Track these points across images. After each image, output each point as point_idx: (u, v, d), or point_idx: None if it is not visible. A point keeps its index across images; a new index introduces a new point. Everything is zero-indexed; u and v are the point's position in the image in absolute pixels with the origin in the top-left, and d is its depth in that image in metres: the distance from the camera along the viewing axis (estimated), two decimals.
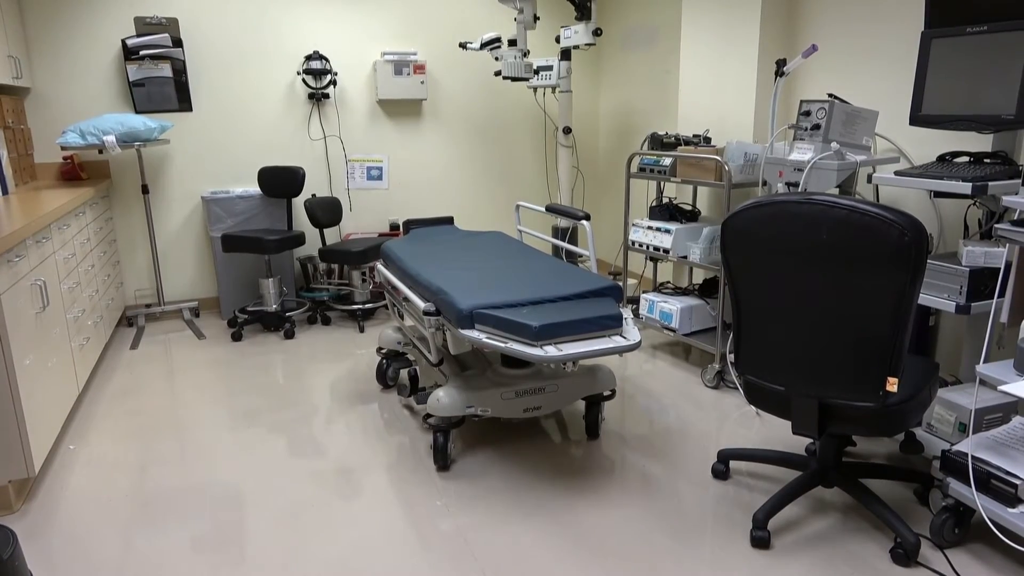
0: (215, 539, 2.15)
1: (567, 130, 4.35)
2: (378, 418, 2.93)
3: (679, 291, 3.66)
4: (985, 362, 1.99)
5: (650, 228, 3.50)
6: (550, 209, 3.16)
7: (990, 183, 2.13)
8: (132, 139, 3.82)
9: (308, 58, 4.38)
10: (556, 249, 4.03)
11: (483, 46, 4.23)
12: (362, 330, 4.10)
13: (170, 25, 4.14)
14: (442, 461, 2.49)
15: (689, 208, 3.64)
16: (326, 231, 4.59)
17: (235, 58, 4.30)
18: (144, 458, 2.64)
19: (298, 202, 4.54)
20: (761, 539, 2.05)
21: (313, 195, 4.48)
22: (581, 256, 3.88)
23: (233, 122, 4.36)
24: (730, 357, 2.20)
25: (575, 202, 5.18)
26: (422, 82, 4.55)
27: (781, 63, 3.04)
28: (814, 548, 2.05)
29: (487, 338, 2.21)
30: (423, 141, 4.79)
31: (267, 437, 2.79)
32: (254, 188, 4.40)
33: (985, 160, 2.34)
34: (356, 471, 2.51)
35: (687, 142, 3.53)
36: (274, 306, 4.09)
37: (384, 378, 3.22)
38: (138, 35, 4.07)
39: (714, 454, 2.59)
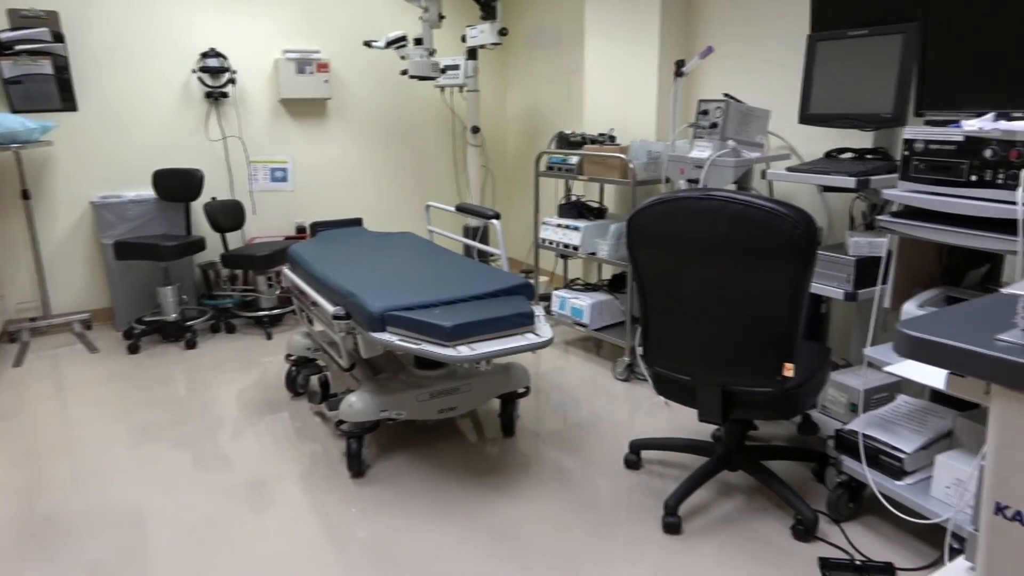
0: (115, 563, 2.02)
1: (475, 129, 4.35)
2: (289, 427, 2.85)
3: (589, 287, 3.72)
4: (872, 345, 2.12)
5: (559, 226, 3.55)
6: (460, 209, 3.15)
7: (872, 177, 2.27)
8: (9, 140, 3.56)
9: (204, 55, 4.20)
10: (467, 249, 4.03)
11: (388, 45, 4.17)
12: (269, 337, 3.98)
13: (49, 19, 3.87)
14: (356, 467, 2.45)
15: (596, 206, 3.71)
16: (228, 236, 4.42)
17: (124, 54, 4.07)
18: (33, 482, 2.46)
19: (197, 206, 4.35)
20: (672, 524, 2.12)
21: (213, 198, 4.29)
22: (492, 255, 3.89)
23: (123, 122, 4.13)
24: (639, 350, 2.26)
25: (485, 201, 5.20)
26: (326, 81, 4.45)
27: (680, 64, 3.14)
28: (722, 530, 2.13)
29: (399, 340, 2.19)
30: (329, 141, 4.68)
31: (170, 453, 2.66)
32: (149, 192, 4.18)
33: (867, 156, 2.49)
34: (267, 482, 2.43)
35: (593, 141, 3.60)
36: (174, 315, 3.90)
37: (294, 385, 3.13)
38: (12, 29, 3.79)
39: (626, 445, 2.66)
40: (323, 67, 4.43)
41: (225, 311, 4.22)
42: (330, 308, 2.41)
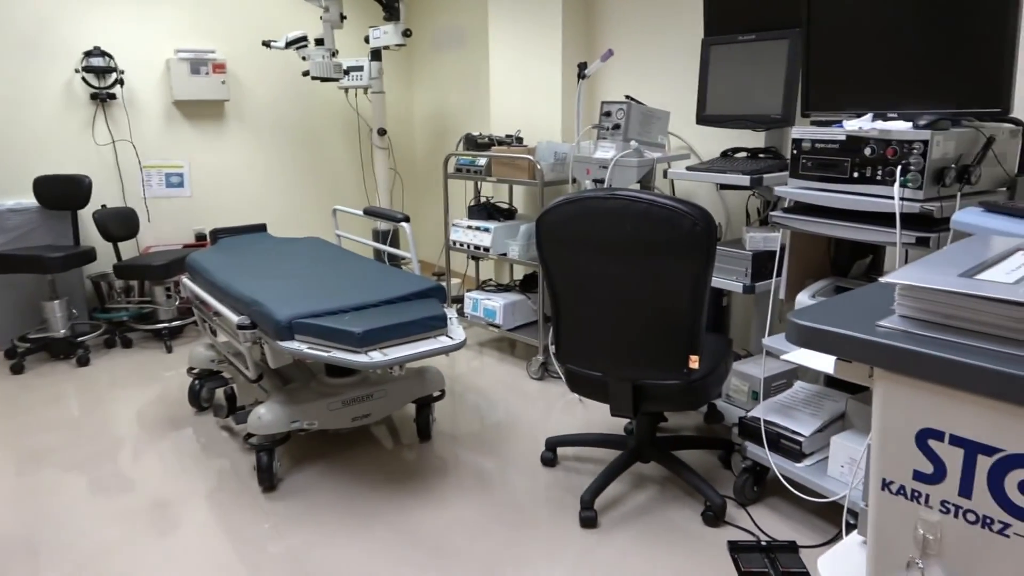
0: None
1: (382, 131, 4.29)
2: (194, 443, 2.73)
3: (501, 288, 3.74)
4: (769, 335, 2.23)
5: (470, 228, 3.55)
6: (368, 212, 3.10)
7: (764, 175, 2.38)
8: None
9: (88, 54, 3.96)
10: (377, 253, 3.97)
11: (288, 45, 4.06)
12: (170, 350, 3.79)
13: None
14: (268, 481, 2.37)
15: (506, 207, 3.73)
16: (121, 245, 4.19)
17: None
18: None
19: (85, 214, 4.10)
20: (589, 519, 2.16)
21: (103, 206, 4.06)
22: (403, 258, 3.85)
23: None
24: (552, 349, 2.29)
25: (394, 204, 5.14)
26: (223, 82, 4.29)
27: (582, 66, 3.20)
28: (637, 520, 2.18)
29: (308, 348, 2.13)
30: (229, 144, 4.51)
31: (63, 478, 2.49)
32: (29, 200, 3.91)
33: (760, 155, 2.62)
34: (172, 503, 2.32)
35: (500, 142, 3.62)
36: (62, 331, 3.66)
37: (198, 400, 3.00)
38: None
39: (543, 443, 2.69)
40: (219, 68, 4.27)
41: (120, 325, 3.99)
42: (234, 318, 2.33)
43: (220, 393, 2.68)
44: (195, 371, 3.01)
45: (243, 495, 2.35)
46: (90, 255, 3.67)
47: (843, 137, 1.92)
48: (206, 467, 2.54)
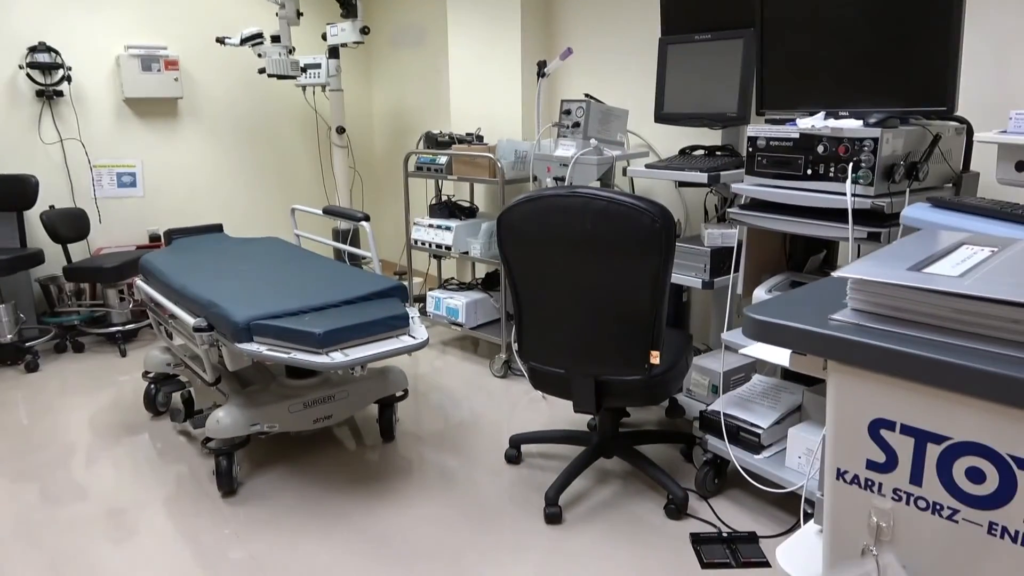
0: None
1: (340, 130, 4.25)
2: (150, 449, 2.66)
3: (464, 286, 3.74)
4: (728, 330, 2.27)
5: (431, 226, 3.53)
6: (328, 211, 3.07)
7: (721, 173, 2.42)
8: None
9: (32, 50, 3.83)
10: (337, 253, 3.93)
11: (243, 42, 3.99)
12: (124, 354, 3.70)
13: None
14: (228, 486, 2.33)
15: (467, 205, 3.73)
16: (71, 247, 4.07)
17: None
18: None
19: (32, 215, 3.97)
20: (553, 515, 2.17)
21: (51, 207, 3.93)
22: (364, 258, 3.81)
23: None
24: (514, 346, 2.29)
25: (354, 203, 5.09)
26: (176, 79, 4.19)
27: (542, 64, 3.21)
28: (601, 515, 2.20)
29: (268, 350, 2.10)
30: (183, 143, 4.42)
31: (12, 488, 2.41)
32: None
33: (717, 153, 2.66)
34: (128, 511, 2.26)
35: (461, 140, 3.61)
36: (9, 336, 3.54)
37: (154, 404, 2.94)
38: None
39: (507, 441, 2.69)
40: (172, 64, 4.17)
41: (71, 329, 3.88)
42: (191, 320, 2.28)
43: (177, 397, 2.63)
44: (151, 375, 2.94)
45: (202, 501, 2.31)
46: (37, 257, 3.56)
47: (796, 135, 1.96)
48: (163, 473, 2.49)
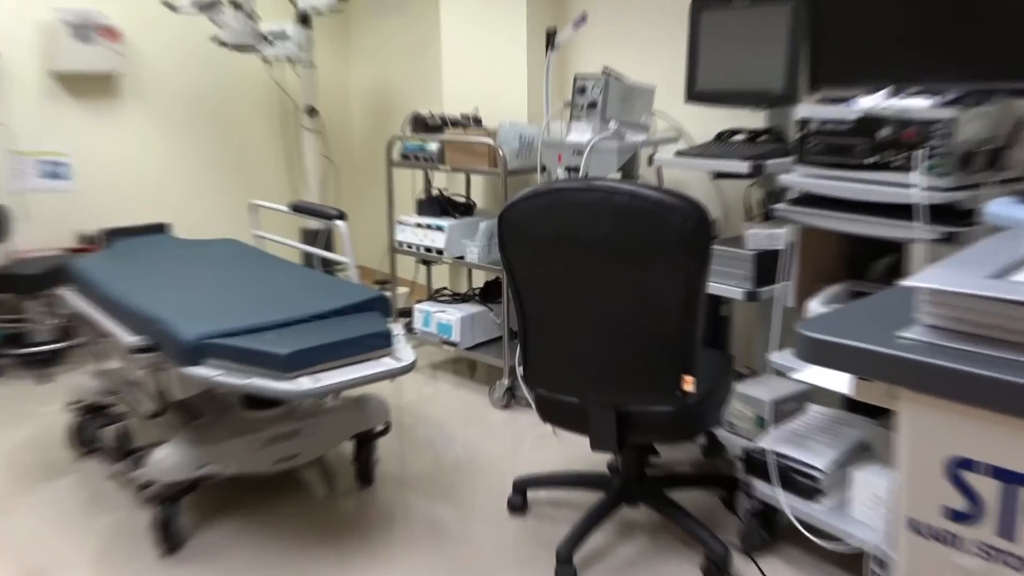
0: None
1: (312, 111, 4.26)
2: (76, 495, 2.66)
3: (458, 298, 3.73)
4: (777, 350, 2.26)
5: (419, 226, 3.54)
6: (296, 208, 3.08)
7: (766, 161, 2.42)
8: None
9: None
10: (307, 257, 3.93)
11: (197, 7, 4.01)
12: (46, 380, 3.71)
13: None
14: (170, 541, 2.33)
15: (463, 200, 3.73)
16: None
17: None
18: None
19: None
20: None
21: None
22: (338, 264, 3.82)
23: None
24: (519, 370, 2.29)
25: (328, 198, 5.10)
26: (117, 51, 4.22)
27: (552, 33, 3.22)
28: None
29: (222, 375, 2.10)
30: (125, 127, 4.44)
31: None
32: None
33: (760, 138, 2.66)
34: (48, 571, 2.26)
35: (455, 123, 3.62)
36: None
37: (82, 441, 2.94)
38: None
39: (510, 485, 2.68)
40: (111, 33, 4.20)
41: None
42: (129, 338, 2.29)
43: (110, 432, 2.64)
44: (79, 405, 2.95)
45: (138, 559, 2.30)
46: None
47: (856, 116, 1.95)
48: (91, 525, 2.49)
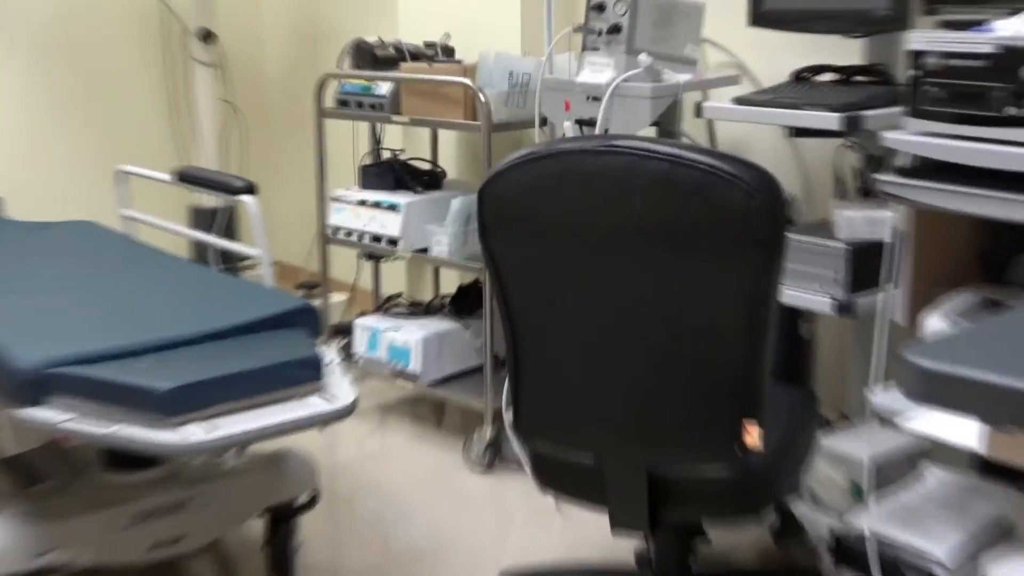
0: None
1: (207, 35, 4.26)
2: None
3: (420, 309, 3.73)
4: (880, 385, 2.26)
5: (364, 204, 3.53)
6: (183, 178, 3.08)
7: (865, 113, 2.43)
8: None
9: None
10: (199, 249, 3.92)
11: None
12: None
13: None
14: None
15: (427, 168, 3.73)
16: None
17: None
18: None
19: None
20: None
21: None
22: (244, 258, 3.80)
23: None
24: (507, 415, 2.29)
25: (230, 163, 5.09)
26: None
27: None
28: None
29: (74, 421, 2.10)
30: None
31: None
32: None
33: (857, 78, 2.67)
34: None
35: (416, 56, 3.61)
36: None
37: None
38: None
39: None
40: None
41: None
42: None
43: None
44: None
45: None
46: None
47: (994, 47, 1.96)
48: None
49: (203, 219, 4.26)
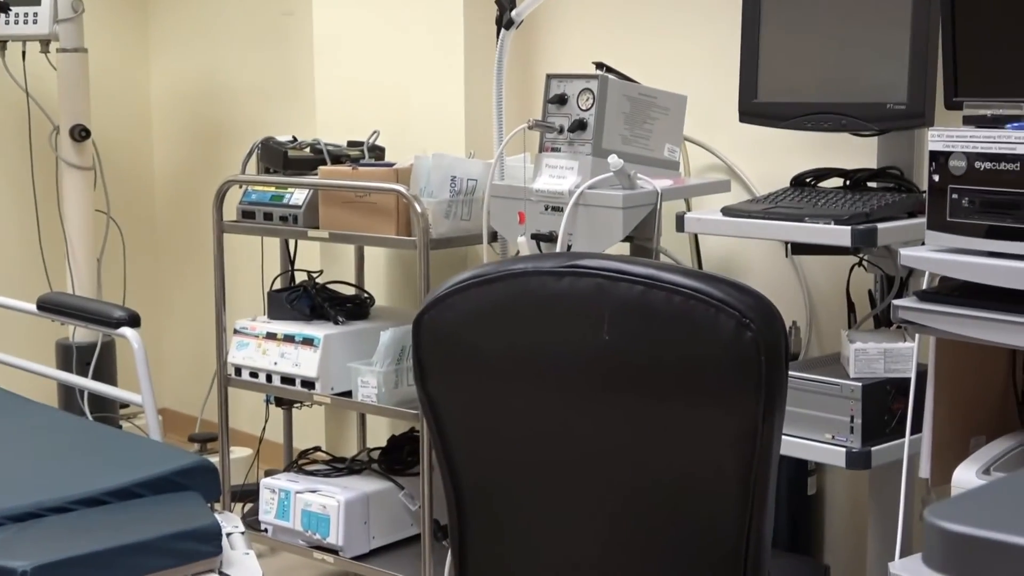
0: None
1: (81, 133, 4.29)
2: None
3: (343, 467, 3.70)
4: (905, 558, 2.27)
5: (272, 337, 3.53)
6: (48, 307, 3.07)
7: (880, 225, 2.48)
8: None
9: None
10: (67, 393, 3.89)
11: None
12: None
13: None
14: None
15: (351, 293, 3.74)
16: None
17: None
18: None
19: None
20: None
21: None
22: (124, 406, 3.78)
23: None
24: None
25: (108, 291, 5.07)
26: None
27: (508, 3, 3.27)
28: None
29: None
30: None
31: None
32: None
33: (868, 184, 2.72)
34: None
35: (337, 157, 3.64)
36: None
37: None
38: None
39: None
40: None
41: None
42: None
43: None
44: None
45: None
46: None
47: None
48: None
49: (72, 358, 4.23)
